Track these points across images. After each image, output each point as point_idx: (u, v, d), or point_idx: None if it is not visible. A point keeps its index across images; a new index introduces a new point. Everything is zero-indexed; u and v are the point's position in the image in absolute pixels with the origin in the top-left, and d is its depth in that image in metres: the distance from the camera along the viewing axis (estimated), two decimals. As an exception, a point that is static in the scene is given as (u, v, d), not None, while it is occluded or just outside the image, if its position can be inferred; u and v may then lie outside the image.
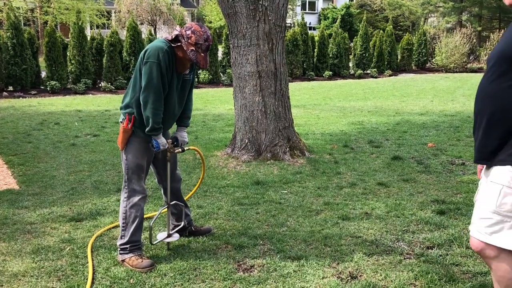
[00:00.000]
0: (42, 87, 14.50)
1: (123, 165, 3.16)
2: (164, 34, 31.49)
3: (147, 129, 3.01)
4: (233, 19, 5.53)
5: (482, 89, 2.02)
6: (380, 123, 8.70)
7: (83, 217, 4.01)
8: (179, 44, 2.97)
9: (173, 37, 2.99)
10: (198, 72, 16.78)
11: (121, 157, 3.18)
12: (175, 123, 3.37)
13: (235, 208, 4.22)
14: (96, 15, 28.68)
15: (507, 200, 1.94)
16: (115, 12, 32.96)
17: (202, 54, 2.96)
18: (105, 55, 15.08)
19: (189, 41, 2.93)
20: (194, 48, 2.93)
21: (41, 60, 14.67)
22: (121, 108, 3.14)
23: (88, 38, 15.21)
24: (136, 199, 3.14)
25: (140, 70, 2.97)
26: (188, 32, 2.94)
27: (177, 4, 34.16)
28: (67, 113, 10.35)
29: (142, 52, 2.98)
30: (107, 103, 12.16)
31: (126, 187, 3.16)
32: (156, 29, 31.59)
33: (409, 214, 4.01)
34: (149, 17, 31.80)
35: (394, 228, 3.72)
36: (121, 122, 3.12)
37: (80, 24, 14.73)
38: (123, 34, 18.98)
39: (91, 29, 30.43)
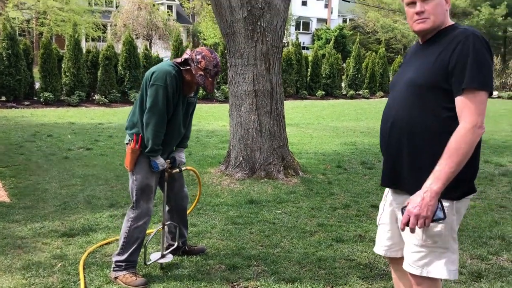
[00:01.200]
0: (35, 98, 14.44)
1: (131, 185, 3.13)
2: (159, 49, 31.58)
3: (146, 149, 3.01)
4: (232, 39, 5.59)
5: (397, 114, 2.05)
6: (372, 144, 8.76)
7: (75, 232, 3.97)
8: (188, 67, 2.99)
9: (182, 60, 3.01)
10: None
11: (130, 177, 3.15)
12: None
13: (228, 227, 4.21)
14: (92, 28, 28.75)
15: (433, 232, 2.00)
16: (110, 26, 33.08)
17: (210, 79, 2.99)
18: (100, 68, 15.09)
19: (199, 65, 2.96)
20: (203, 73, 2.96)
21: (35, 71, 14.65)
22: (126, 128, 3.14)
23: (84, 50, 15.23)
24: (142, 221, 3.13)
25: (146, 91, 2.98)
26: (199, 57, 2.97)
27: (173, 20, 34.39)
28: (60, 125, 10.30)
29: (149, 73, 3.00)
30: (101, 117, 12.12)
31: (134, 208, 3.13)
32: (152, 44, 31.73)
33: (403, 238, 4.02)
34: (144, 32, 31.94)
35: (388, 252, 3.72)
36: (127, 143, 3.12)
37: (76, 37, 14.76)
38: (118, 48, 19.04)
39: (86, 41, 30.48)
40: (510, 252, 3.77)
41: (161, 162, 3.10)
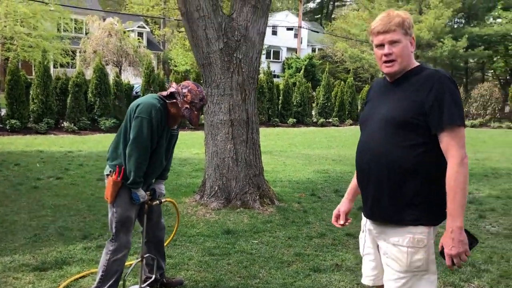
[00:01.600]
0: (1, 125, 14.07)
1: (111, 217, 3.10)
2: (129, 75, 31.39)
3: (128, 181, 3.00)
4: (208, 69, 5.66)
5: (376, 150, 2.16)
6: (344, 172, 8.90)
7: (47, 266, 3.85)
8: (174, 101, 3.03)
9: (168, 93, 3.05)
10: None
11: (109, 209, 3.12)
12: None
13: (206, 259, 4.17)
14: (61, 54, 28.42)
15: (416, 258, 2.12)
16: (80, 52, 32.79)
17: (196, 112, 3.04)
18: (70, 95, 14.88)
19: (185, 99, 3.00)
20: (189, 106, 3.01)
21: (1, 97, 14.31)
22: (108, 159, 3.12)
23: (52, 77, 15.02)
24: (121, 254, 3.09)
25: (130, 122, 2.99)
26: (185, 90, 3.01)
27: (144, 47, 34.39)
28: (28, 153, 10.05)
29: (134, 105, 3.01)
30: (70, 144, 11.90)
31: (113, 240, 3.09)
32: (122, 70, 31.55)
33: (378, 266, 4.08)
34: (114, 58, 31.78)
35: (365, 281, 3.76)
36: (108, 174, 3.09)
37: (45, 63, 14.57)
38: (87, 74, 18.86)
39: (54, 67, 30.07)
40: (481, 279, 3.88)
41: (142, 194, 3.08)
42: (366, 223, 2.34)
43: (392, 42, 2.13)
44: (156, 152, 3.09)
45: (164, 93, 3.09)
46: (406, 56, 2.15)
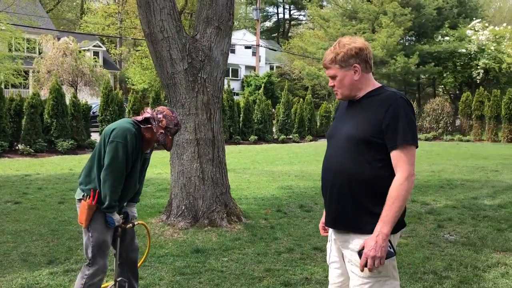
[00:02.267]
0: (-49, 149, 13.49)
1: (86, 242, 3.08)
2: (85, 95, 30.79)
3: (103, 206, 3.00)
4: (173, 90, 5.71)
5: (338, 165, 2.33)
6: (307, 187, 9.07)
7: (13, 294, 3.75)
8: (149, 126, 3.07)
9: (143, 118, 3.08)
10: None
11: (84, 234, 3.09)
12: None
13: (177, 278, 4.17)
14: (13, 75, 27.57)
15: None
16: (33, 72, 31.91)
17: (170, 137, 3.09)
18: (25, 116, 14.47)
19: (160, 124, 3.05)
20: (163, 131, 3.06)
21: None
22: (80, 184, 3.11)
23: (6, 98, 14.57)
24: (97, 278, 3.08)
25: (105, 147, 3.00)
26: (160, 116, 3.07)
27: (100, 66, 33.88)
28: (-18, 178, 9.67)
29: (108, 130, 3.03)
30: (27, 167, 11.53)
31: (90, 265, 3.07)
32: (77, 90, 30.90)
33: (346, 278, 4.20)
34: (70, 78, 31.11)
35: (335, 293, 3.87)
36: (81, 199, 3.09)
37: (-1, 84, 14.15)
38: (41, 94, 18.38)
39: (5, 88, 29.08)
40: (442, 285, 4.06)
41: (117, 218, 3.10)
42: (331, 233, 2.49)
43: (331, 77, 2.38)
44: (130, 176, 3.11)
45: (139, 118, 3.14)
46: (346, 85, 2.35)
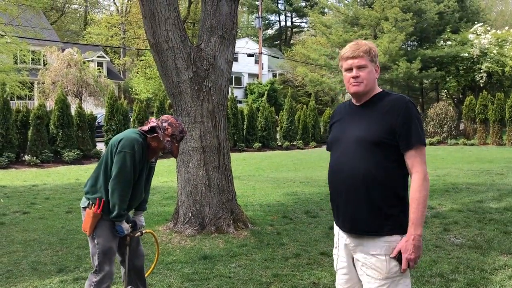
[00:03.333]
0: (-41, 161, 13.60)
1: (92, 249, 3.15)
2: (90, 106, 31.00)
3: (112, 215, 3.07)
4: (178, 98, 5.78)
5: (351, 168, 2.37)
6: (313, 193, 9.10)
7: (24, 302, 3.80)
8: (155, 134, 3.14)
9: (149, 128, 3.16)
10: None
11: (90, 242, 3.17)
12: None
13: (185, 285, 4.21)
14: (18, 86, 27.81)
15: (393, 263, 2.32)
16: (38, 83, 32.17)
17: (177, 144, 3.16)
18: (31, 128, 14.58)
19: (166, 132, 3.12)
20: (170, 139, 3.13)
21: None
22: (86, 193, 3.18)
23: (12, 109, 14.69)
24: (105, 285, 3.14)
25: (112, 157, 3.07)
26: (165, 124, 3.14)
27: (104, 76, 34.12)
28: (-10, 189, 9.76)
29: (115, 141, 3.10)
30: (34, 178, 11.62)
31: (97, 272, 3.14)
32: (82, 101, 31.09)
33: (354, 282, 4.23)
34: (74, 89, 31.34)
35: (342, 297, 3.89)
36: (86, 207, 3.16)
37: (5, 96, 14.28)
38: (47, 105, 18.50)
39: (11, 100, 29.30)
40: (450, 288, 4.08)
41: (125, 226, 3.16)
42: (339, 240, 2.51)
43: (360, 67, 2.41)
44: (136, 185, 3.19)
45: (145, 128, 3.21)
46: (371, 80, 2.42)
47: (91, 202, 3.13)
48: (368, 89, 2.42)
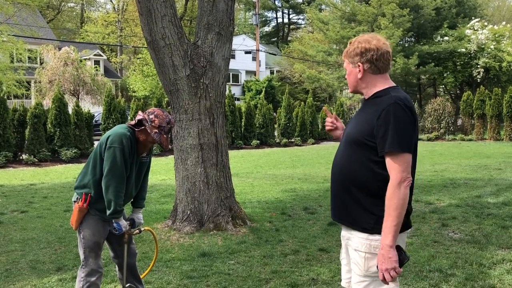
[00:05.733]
0: (-44, 161, 13.56)
1: (79, 244, 3.16)
2: (87, 104, 30.93)
3: (109, 212, 3.07)
4: (175, 96, 5.77)
5: (339, 163, 2.43)
6: (311, 190, 9.10)
7: (23, 300, 3.79)
8: (142, 127, 3.13)
9: (136, 121, 3.15)
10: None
11: (77, 236, 3.18)
12: (130, 204, 3.46)
13: (184, 282, 4.21)
14: (15, 85, 27.71)
15: (373, 262, 2.29)
16: (35, 82, 32.07)
17: (165, 136, 3.15)
18: (29, 126, 14.55)
19: (153, 124, 3.12)
20: (157, 131, 3.12)
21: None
22: (76, 188, 3.19)
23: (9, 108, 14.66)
24: (94, 278, 3.13)
25: (101, 154, 3.07)
26: (152, 116, 3.13)
27: (101, 75, 34.02)
28: (-13, 188, 9.73)
29: (104, 138, 3.12)
30: (32, 177, 11.60)
31: (84, 266, 3.14)
32: (79, 99, 31.00)
33: (353, 278, 4.23)
34: (71, 87, 31.25)
35: (341, 292, 3.90)
36: (75, 201, 3.17)
37: (2, 95, 14.23)
38: (44, 104, 18.44)
39: (8, 99, 29.20)
40: (448, 283, 4.09)
41: (123, 223, 3.16)
42: (342, 232, 2.55)
43: (347, 71, 2.47)
44: (128, 179, 3.18)
45: (132, 122, 3.22)
46: (352, 81, 2.43)
47: (78, 197, 3.15)
48: (353, 90, 2.46)
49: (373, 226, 2.28)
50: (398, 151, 2.19)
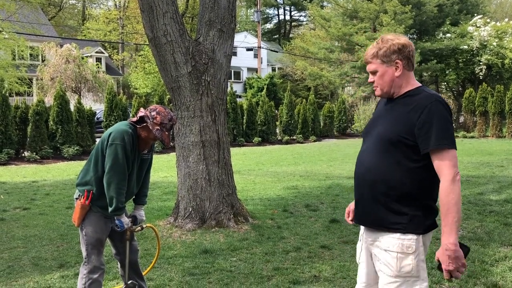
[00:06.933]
0: (-42, 158, 13.59)
1: (81, 241, 3.17)
2: (89, 101, 30.93)
3: (111, 209, 3.08)
4: (177, 93, 5.76)
5: (369, 163, 2.35)
6: (313, 187, 9.10)
7: (26, 297, 3.80)
8: (144, 124, 3.13)
9: (138, 118, 3.15)
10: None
11: (79, 233, 3.18)
12: (132, 201, 3.46)
13: (186, 279, 4.21)
14: (17, 83, 27.74)
15: (405, 262, 2.26)
16: (36, 80, 32.10)
17: (167, 133, 3.15)
18: (31, 124, 14.57)
19: (155, 121, 3.11)
20: (159, 127, 3.12)
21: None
22: (78, 185, 3.20)
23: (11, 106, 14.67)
24: (96, 275, 3.14)
25: (103, 151, 3.08)
26: (154, 113, 3.13)
27: (103, 72, 34.02)
28: (-10, 185, 9.75)
29: (106, 135, 3.12)
30: (34, 174, 11.62)
31: (86, 263, 3.15)
32: (81, 96, 31.03)
33: (354, 275, 4.22)
34: (73, 85, 31.27)
35: (343, 289, 3.90)
36: (77, 198, 3.17)
37: (4, 92, 14.24)
38: (45, 101, 18.46)
39: (10, 96, 29.24)
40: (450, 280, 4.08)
41: (125, 220, 3.16)
42: (362, 233, 2.50)
43: (372, 72, 2.38)
44: (129, 176, 3.18)
45: (134, 119, 3.22)
46: (385, 82, 2.34)
47: (80, 194, 3.15)
48: (387, 91, 2.36)
49: (405, 225, 2.25)
50: (447, 147, 2.20)
